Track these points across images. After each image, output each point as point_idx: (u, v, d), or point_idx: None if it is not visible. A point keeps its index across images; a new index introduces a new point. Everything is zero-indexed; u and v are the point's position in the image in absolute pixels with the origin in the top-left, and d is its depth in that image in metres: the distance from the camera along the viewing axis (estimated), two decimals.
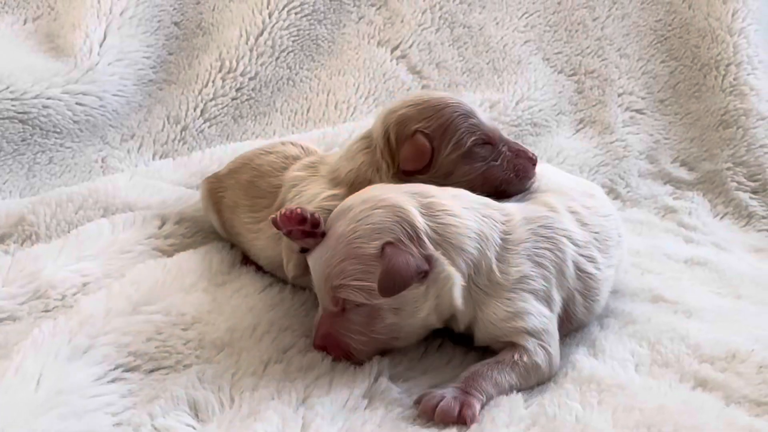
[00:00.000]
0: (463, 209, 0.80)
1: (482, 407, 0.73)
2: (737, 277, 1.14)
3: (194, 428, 0.68)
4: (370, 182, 0.91)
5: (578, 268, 0.85)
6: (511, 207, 0.86)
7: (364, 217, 0.76)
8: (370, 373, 0.77)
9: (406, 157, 0.90)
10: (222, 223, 1.06)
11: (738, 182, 1.50)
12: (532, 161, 0.94)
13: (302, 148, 1.06)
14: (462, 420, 0.70)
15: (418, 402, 0.73)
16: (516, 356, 0.78)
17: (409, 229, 0.76)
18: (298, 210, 0.79)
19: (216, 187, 1.06)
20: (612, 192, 1.45)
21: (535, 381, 0.79)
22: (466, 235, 0.78)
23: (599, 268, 0.88)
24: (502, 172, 0.92)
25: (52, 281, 0.88)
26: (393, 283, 0.73)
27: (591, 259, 0.87)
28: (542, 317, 0.81)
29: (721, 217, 1.45)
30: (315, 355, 0.81)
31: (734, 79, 1.59)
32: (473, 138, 0.90)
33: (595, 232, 0.89)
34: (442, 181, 0.90)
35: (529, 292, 0.80)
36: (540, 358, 0.79)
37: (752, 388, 0.79)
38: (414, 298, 0.76)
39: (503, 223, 0.82)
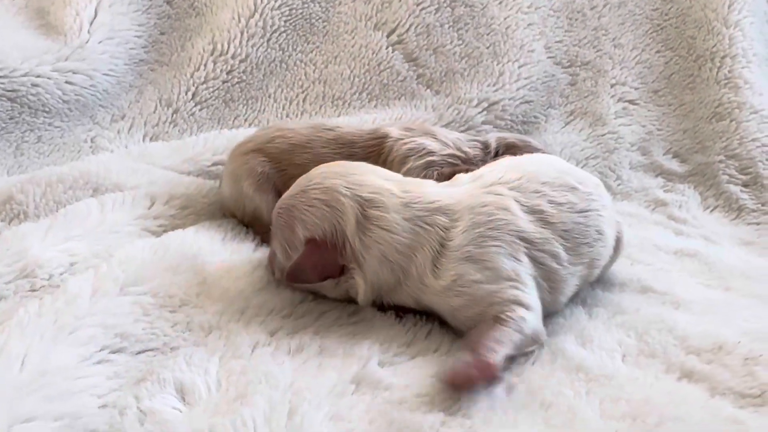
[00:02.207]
0: (404, 221, 0.84)
1: (501, 360, 0.74)
2: (727, 269, 1.15)
3: (181, 411, 0.67)
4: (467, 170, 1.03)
5: (537, 262, 0.86)
6: (461, 209, 0.86)
7: (313, 206, 0.85)
8: (359, 357, 0.77)
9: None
10: (274, 203, 1.04)
11: (729, 175, 1.50)
12: None
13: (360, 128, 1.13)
14: (490, 375, 0.72)
15: (444, 380, 0.72)
16: (503, 316, 0.80)
17: (339, 236, 0.84)
18: None
19: (287, 166, 1.05)
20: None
21: (530, 336, 0.81)
22: (393, 252, 0.84)
23: (562, 264, 0.88)
24: None
25: (39, 260, 0.87)
26: (296, 276, 0.85)
27: (552, 255, 0.87)
28: (508, 289, 0.82)
29: (711, 210, 1.45)
30: (303, 339, 0.81)
31: (729, 72, 1.59)
32: None
33: (564, 230, 0.89)
34: None
35: (474, 284, 0.82)
36: (524, 314, 0.81)
37: (738, 380, 0.79)
38: (321, 285, 0.87)
39: (446, 230, 0.84)
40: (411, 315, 0.87)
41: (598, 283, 1.02)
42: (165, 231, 1.05)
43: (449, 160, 1.07)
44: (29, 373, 0.63)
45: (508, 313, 0.80)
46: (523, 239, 0.86)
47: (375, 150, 1.06)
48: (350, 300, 0.87)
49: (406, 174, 1.02)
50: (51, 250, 0.90)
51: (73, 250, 0.92)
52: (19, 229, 0.92)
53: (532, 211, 0.88)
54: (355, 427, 0.67)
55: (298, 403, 0.69)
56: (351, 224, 0.83)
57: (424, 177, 1.01)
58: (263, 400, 0.68)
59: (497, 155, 1.13)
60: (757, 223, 1.42)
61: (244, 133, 1.29)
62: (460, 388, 0.71)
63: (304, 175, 0.89)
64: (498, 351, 0.75)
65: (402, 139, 1.07)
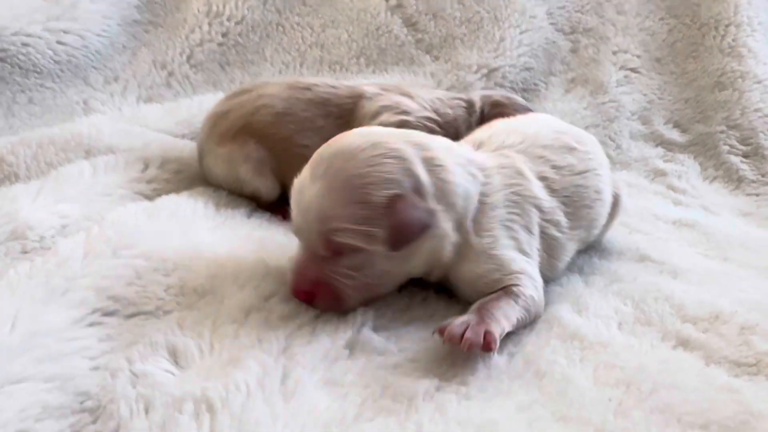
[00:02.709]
0: (456, 166, 0.80)
1: (500, 336, 0.73)
2: (725, 239, 1.14)
3: (173, 374, 0.66)
4: (456, 131, 1.06)
5: (542, 233, 0.86)
6: (490, 167, 0.84)
7: (375, 164, 0.74)
8: (354, 323, 0.76)
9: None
10: (276, 183, 1.04)
11: (730, 145, 1.49)
12: None
13: (340, 83, 1.11)
14: (487, 346, 0.70)
15: (440, 332, 0.71)
16: (514, 289, 0.79)
17: (416, 183, 0.75)
18: None
19: (274, 141, 1.03)
20: None
21: (533, 314, 0.80)
22: (457, 194, 0.79)
23: (563, 232, 0.88)
24: None
25: (29, 222, 0.86)
26: (404, 236, 0.74)
27: (555, 224, 0.87)
28: (523, 261, 0.82)
29: (711, 181, 1.45)
30: (297, 304, 0.80)
31: (733, 40, 1.57)
32: None
33: (565, 196, 0.89)
34: None
35: (503, 249, 0.81)
36: (533, 291, 0.80)
37: (733, 349, 0.79)
38: (411, 250, 0.76)
39: (483, 185, 0.82)
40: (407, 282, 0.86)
41: (595, 250, 1.02)
42: (159, 195, 1.04)
43: (425, 123, 1.06)
44: (20, 335, 0.63)
45: (521, 288, 0.79)
46: (537, 207, 0.86)
47: (351, 108, 1.06)
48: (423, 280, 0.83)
49: (380, 121, 1.03)
50: (42, 211, 0.88)
51: (64, 212, 0.90)
52: (9, 190, 0.91)
53: (540, 178, 0.88)
54: (349, 392, 0.67)
55: (291, 367, 0.68)
56: (420, 168, 0.76)
57: None
58: (256, 364, 0.67)
59: (483, 113, 1.11)
60: (757, 194, 1.42)
61: None
62: (452, 344, 0.70)
63: (321, 157, 0.76)
64: (503, 325, 0.74)
65: (377, 95, 1.06)
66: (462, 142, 0.93)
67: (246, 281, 0.83)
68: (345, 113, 1.05)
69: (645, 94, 1.55)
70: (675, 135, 1.51)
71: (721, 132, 1.50)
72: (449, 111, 1.09)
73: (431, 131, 1.06)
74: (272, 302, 0.80)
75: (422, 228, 0.74)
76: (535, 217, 0.85)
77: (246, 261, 0.87)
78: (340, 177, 0.73)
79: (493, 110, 1.12)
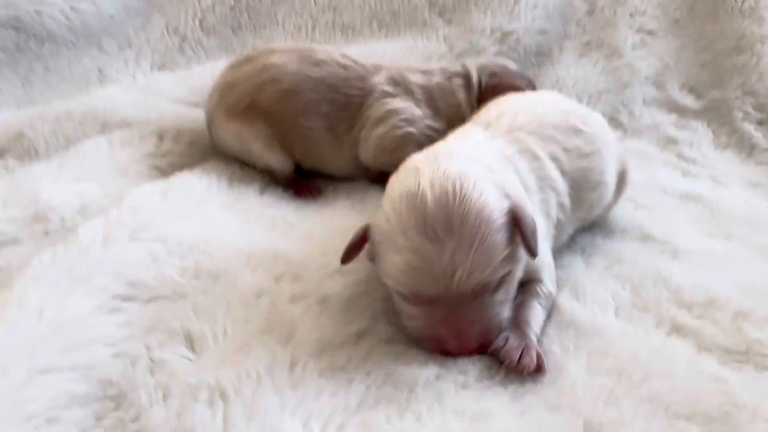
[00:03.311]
0: (507, 165, 0.81)
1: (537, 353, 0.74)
2: (730, 215, 1.15)
3: (190, 360, 0.71)
4: (461, 119, 1.04)
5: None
6: (512, 153, 0.85)
7: (478, 198, 0.70)
8: (361, 310, 0.79)
9: (498, 93, 1.05)
10: (288, 157, 1.06)
11: (745, 112, 1.47)
12: None
13: (352, 59, 1.10)
14: (539, 369, 0.72)
15: (496, 352, 0.72)
16: (538, 290, 0.81)
17: (505, 191, 0.73)
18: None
19: (279, 119, 1.04)
20: (613, 121, 1.43)
21: (549, 310, 0.83)
22: (522, 189, 0.80)
23: (566, 214, 0.90)
24: None
25: (51, 203, 0.90)
26: (535, 238, 0.72)
27: (562, 205, 0.89)
28: (547, 251, 0.85)
29: (723, 149, 1.44)
30: (306, 285, 0.84)
31: (754, 2, 1.54)
32: None
33: (572, 179, 0.90)
34: None
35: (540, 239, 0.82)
36: (552, 286, 0.83)
37: (725, 336, 0.81)
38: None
39: (517, 172, 0.83)
40: None
41: (600, 229, 1.04)
42: (174, 169, 1.07)
43: (427, 132, 1.08)
44: (46, 325, 0.67)
45: (543, 286, 0.81)
46: (554, 189, 0.87)
47: (358, 103, 1.06)
48: None
49: (379, 136, 1.05)
50: (62, 192, 0.92)
51: (84, 191, 0.94)
52: (30, 170, 0.94)
53: (552, 158, 0.89)
54: (353, 378, 0.71)
55: (299, 354, 0.72)
56: (495, 177, 0.74)
57: (401, 147, 1.04)
58: (266, 351, 0.71)
59: (480, 87, 1.12)
60: None
61: None
62: (510, 368, 0.72)
63: (424, 215, 0.69)
64: (538, 335, 0.77)
65: (384, 95, 1.07)
66: (470, 123, 0.94)
67: (258, 263, 0.87)
68: (351, 106, 1.06)
69: (661, 58, 1.52)
70: (689, 101, 1.50)
71: (736, 98, 1.48)
72: (451, 97, 1.10)
73: (431, 139, 1.06)
74: (282, 284, 0.84)
75: (535, 225, 0.73)
76: (553, 199, 0.87)
77: (258, 242, 0.91)
78: (465, 230, 0.68)
79: (491, 81, 1.13)
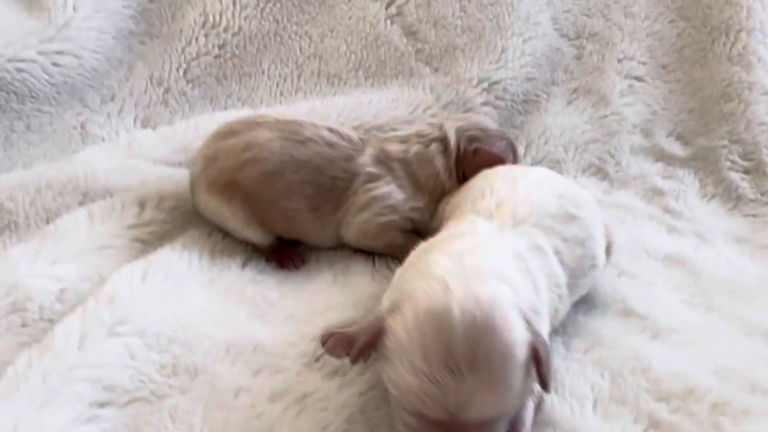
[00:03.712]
0: (526, 277, 0.80)
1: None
2: (713, 282, 1.15)
3: None
4: (442, 186, 1.09)
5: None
6: (524, 250, 0.84)
7: (506, 330, 0.68)
8: (341, 409, 0.80)
9: (481, 165, 1.07)
10: (267, 233, 1.05)
11: (732, 161, 1.47)
12: None
13: (339, 133, 1.09)
14: None
15: None
16: (531, 386, 0.77)
17: (530, 318, 0.72)
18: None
19: (259, 199, 1.03)
20: (600, 172, 1.43)
21: (539, 403, 0.83)
22: (534, 306, 0.79)
23: (563, 302, 0.91)
24: None
25: (28, 292, 0.89)
26: (551, 374, 0.72)
27: (560, 298, 0.89)
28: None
29: (709, 199, 1.44)
30: (285, 379, 0.84)
31: (743, 48, 1.53)
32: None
33: (571, 268, 0.90)
34: None
35: None
36: None
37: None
38: None
39: (534, 283, 0.82)
40: None
41: (581, 303, 1.04)
42: (156, 238, 1.07)
43: (410, 215, 1.08)
44: None
45: (535, 386, 0.77)
46: (556, 285, 0.88)
47: (343, 186, 1.05)
48: None
49: (362, 222, 1.05)
50: (40, 277, 0.91)
51: (62, 275, 0.93)
52: (9, 254, 0.93)
53: (555, 252, 0.89)
54: None
55: None
56: (519, 301, 0.73)
57: (383, 234, 1.06)
58: None
59: (459, 150, 1.09)
60: (754, 215, 1.41)
61: (235, 114, 1.28)
62: None
63: (450, 344, 0.66)
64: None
65: (371, 179, 1.06)
66: (468, 210, 0.92)
67: (237, 355, 0.87)
68: (336, 189, 1.05)
69: (648, 105, 1.52)
70: (676, 149, 1.50)
71: (724, 147, 1.48)
72: (429, 166, 1.08)
73: (414, 221, 1.08)
74: (261, 378, 0.84)
75: (550, 354, 0.73)
76: (556, 295, 0.88)
77: (238, 328, 0.91)
78: (489, 367, 0.66)
79: (470, 146, 1.10)
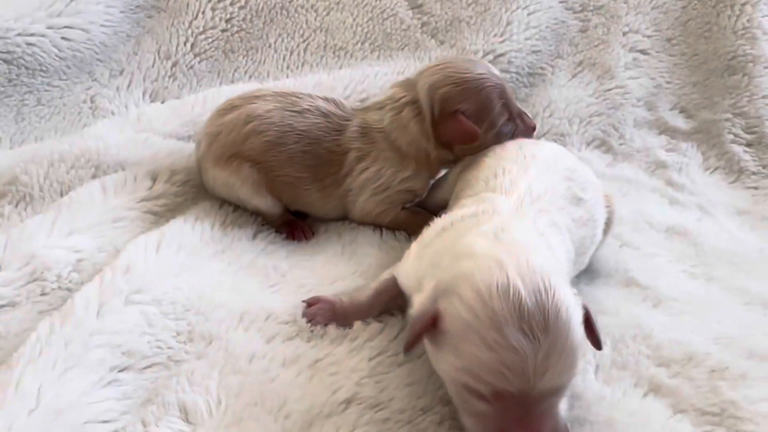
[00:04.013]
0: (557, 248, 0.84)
1: None
2: (714, 253, 1.17)
3: None
4: (425, 151, 1.07)
5: None
6: (545, 228, 0.86)
7: (563, 299, 0.69)
8: (349, 374, 0.82)
9: (451, 135, 1.04)
10: (276, 200, 1.08)
11: (735, 134, 1.49)
12: (532, 131, 1.11)
13: (334, 102, 1.11)
14: None
15: None
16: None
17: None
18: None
19: (266, 167, 1.05)
20: (604, 145, 1.45)
21: None
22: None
23: (568, 278, 0.92)
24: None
25: (46, 262, 0.91)
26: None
27: (567, 272, 0.91)
28: None
29: (712, 172, 1.46)
30: (298, 346, 0.87)
31: (748, 21, 1.53)
32: (503, 119, 1.07)
33: (576, 246, 0.93)
34: (474, 149, 1.06)
35: None
36: None
37: (700, 396, 0.85)
38: None
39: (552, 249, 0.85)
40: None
41: (585, 273, 1.06)
42: (168, 211, 1.09)
43: (401, 187, 1.09)
44: (44, 411, 0.70)
45: None
46: (568, 260, 0.90)
47: (338, 160, 1.08)
48: None
49: (362, 204, 1.09)
50: (57, 248, 0.93)
51: (78, 245, 0.95)
52: (25, 227, 0.96)
53: (567, 229, 0.91)
54: None
55: (288, 427, 0.75)
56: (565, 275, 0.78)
57: (384, 211, 1.09)
58: (257, 426, 0.74)
59: (433, 112, 1.05)
60: (756, 187, 1.43)
61: (242, 88, 1.29)
62: None
63: (519, 313, 0.67)
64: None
65: (361, 158, 1.07)
66: (482, 189, 0.93)
67: (250, 323, 0.89)
68: (333, 164, 1.08)
69: (653, 78, 1.53)
70: (680, 122, 1.51)
71: (727, 120, 1.49)
72: (406, 133, 1.07)
73: (410, 193, 1.11)
74: (274, 344, 0.87)
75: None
76: (569, 268, 0.90)
77: (250, 298, 0.93)
78: (560, 326, 0.67)
79: (445, 110, 1.04)
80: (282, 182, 1.06)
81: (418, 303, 0.75)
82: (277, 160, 1.05)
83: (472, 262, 0.72)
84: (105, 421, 0.73)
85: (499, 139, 1.07)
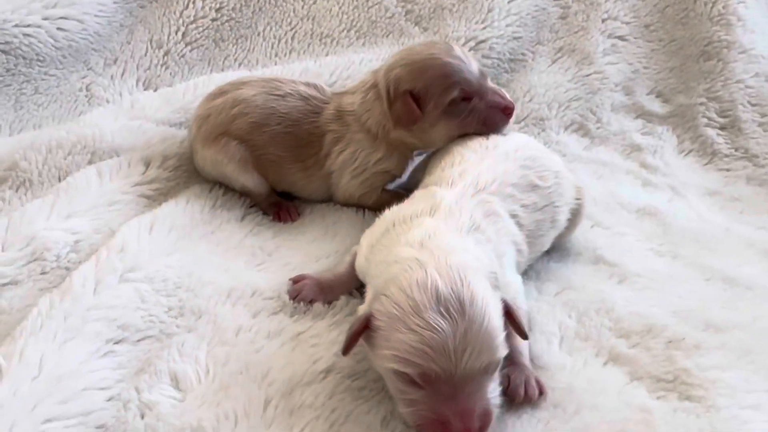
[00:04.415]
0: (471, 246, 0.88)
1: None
2: (681, 232, 1.23)
3: (176, 399, 0.80)
4: (387, 131, 1.11)
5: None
6: (480, 218, 0.92)
7: (478, 284, 0.78)
8: (330, 345, 0.89)
9: (399, 116, 1.08)
10: (263, 179, 1.14)
11: (709, 118, 1.54)
12: (507, 112, 1.11)
13: (315, 87, 1.17)
14: (542, 392, 0.84)
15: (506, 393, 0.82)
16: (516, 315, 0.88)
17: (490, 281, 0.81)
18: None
19: (251, 146, 1.12)
20: (582, 129, 1.50)
21: (528, 322, 0.93)
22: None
23: (523, 257, 1.00)
24: (475, 126, 1.10)
25: (46, 243, 0.97)
26: (525, 325, 0.82)
27: (521, 252, 0.98)
28: (517, 281, 0.95)
29: (686, 154, 1.51)
30: (282, 320, 0.93)
31: (723, 8, 1.58)
32: (451, 97, 1.07)
33: (529, 230, 1.00)
34: (428, 130, 1.10)
35: (508, 274, 0.93)
36: (525, 305, 0.94)
37: (656, 364, 0.91)
38: None
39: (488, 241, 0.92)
40: None
41: (555, 252, 1.12)
42: (161, 195, 1.15)
43: (376, 168, 1.14)
44: (46, 378, 0.76)
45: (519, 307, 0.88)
46: (513, 242, 0.97)
47: (317, 142, 1.14)
48: None
49: (344, 187, 1.15)
50: (56, 230, 0.99)
51: (75, 227, 1.01)
52: (26, 210, 1.01)
53: (512, 215, 0.98)
54: (320, 415, 0.80)
55: (271, 393, 0.82)
56: (487, 258, 0.86)
57: (364, 194, 1.15)
58: (242, 393, 0.81)
59: (389, 93, 1.09)
60: (728, 169, 1.48)
61: (232, 75, 1.34)
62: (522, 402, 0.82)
63: (436, 299, 0.75)
64: (528, 357, 0.88)
65: (336, 140, 1.13)
66: (431, 184, 1.00)
67: (237, 299, 0.96)
68: (313, 146, 1.14)
69: (630, 64, 1.57)
70: (656, 106, 1.56)
71: (701, 104, 1.54)
72: (371, 115, 1.12)
73: (388, 174, 1.17)
74: (259, 319, 0.93)
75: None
76: (515, 249, 0.97)
77: (238, 276, 0.99)
78: (475, 311, 0.75)
79: (398, 90, 1.08)
80: (267, 161, 1.13)
81: (360, 310, 0.83)
82: (261, 139, 1.12)
83: (398, 266, 0.80)
84: (102, 388, 0.79)
85: (450, 117, 1.08)
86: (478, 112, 1.09)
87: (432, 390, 0.74)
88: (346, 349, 0.79)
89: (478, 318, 0.75)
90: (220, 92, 1.16)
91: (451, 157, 1.04)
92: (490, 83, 1.12)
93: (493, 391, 0.77)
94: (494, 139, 1.08)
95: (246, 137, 1.12)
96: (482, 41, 1.49)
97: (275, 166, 1.13)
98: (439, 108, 1.08)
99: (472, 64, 1.09)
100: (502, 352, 0.78)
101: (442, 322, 0.73)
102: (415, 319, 0.74)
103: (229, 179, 1.14)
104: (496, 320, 0.77)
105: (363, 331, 0.79)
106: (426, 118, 1.08)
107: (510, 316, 0.81)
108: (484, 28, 1.50)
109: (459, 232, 0.88)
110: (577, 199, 1.10)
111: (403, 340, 0.74)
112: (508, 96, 1.12)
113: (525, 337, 0.84)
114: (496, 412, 0.77)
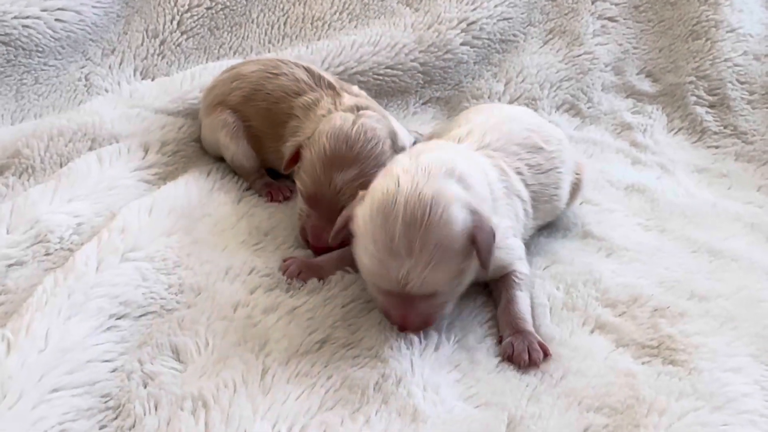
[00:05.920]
0: (479, 175, 0.92)
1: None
2: (669, 207, 1.26)
3: (177, 370, 0.84)
4: None
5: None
6: (486, 165, 0.96)
7: (445, 218, 0.82)
8: (324, 318, 0.92)
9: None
10: (252, 152, 1.18)
11: (698, 96, 1.56)
12: None
13: (311, 73, 1.19)
14: (546, 354, 0.88)
15: (509, 359, 0.88)
16: (515, 278, 0.95)
17: (474, 210, 0.85)
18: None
19: (242, 117, 1.18)
20: (573, 108, 1.52)
21: (531, 287, 0.99)
22: (489, 199, 0.92)
23: (528, 219, 1.03)
24: None
25: (49, 225, 1.00)
26: (490, 256, 0.85)
27: (526, 212, 1.01)
28: (520, 246, 0.99)
29: (675, 133, 1.54)
30: (278, 295, 0.96)
31: None
32: None
33: (533, 191, 1.02)
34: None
35: (510, 237, 0.97)
36: (527, 269, 0.98)
37: (641, 331, 0.94)
38: None
39: (489, 184, 0.94)
40: None
41: (544, 227, 1.15)
42: (160, 179, 1.18)
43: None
44: (52, 351, 0.79)
45: (520, 273, 0.96)
46: (519, 197, 1.00)
47: (300, 117, 1.14)
48: None
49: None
50: (58, 213, 1.03)
51: (77, 211, 1.04)
52: (29, 195, 1.05)
53: (517, 173, 1.01)
54: (316, 382, 0.84)
55: (269, 363, 0.85)
56: (468, 194, 0.86)
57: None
58: (241, 362, 0.84)
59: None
60: (716, 146, 1.51)
61: (227, 63, 1.37)
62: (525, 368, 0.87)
63: (392, 228, 0.82)
64: (530, 321, 0.92)
65: (294, 135, 1.13)
66: (443, 139, 1.04)
67: (235, 276, 0.99)
68: (284, 125, 1.15)
69: (620, 44, 1.60)
70: (646, 85, 1.59)
71: (690, 83, 1.57)
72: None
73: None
74: (256, 295, 0.96)
75: (493, 240, 0.86)
76: (520, 205, 1.00)
77: (235, 255, 1.03)
78: (424, 254, 0.82)
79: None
80: (252, 135, 1.18)
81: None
82: (249, 113, 1.18)
83: (383, 179, 0.86)
84: (106, 360, 0.83)
85: None
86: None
87: (388, 299, 0.87)
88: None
89: (424, 260, 0.82)
90: (229, 68, 1.24)
91: (457, 121, 1.09)
92: None
93: (444, 302, 0.88)
94: (500, 105, 1.12)
95: (238, 108, 1.18)
96: (473, 22, 1.52)
97: (259, 141, 1.19)
98: None
99: None
100: (451, 284, 0.86)
101: (389, 259, 0.82)
102: (370, 245, 0.84)
103: (222, 146, 1.19)
104: (447, 262, 0.83)
105: (346, 226, 0.88)
106: None
107: (477, 247, 0.84)
108: (474, 9, 1.53)
109: (458, 154, 0.92)
110: (577, 174, 1.13)
111: (363, 260, 0.86)
112: None
113: (485, 267, 0.86)
114: (444, 312, 0.88)
